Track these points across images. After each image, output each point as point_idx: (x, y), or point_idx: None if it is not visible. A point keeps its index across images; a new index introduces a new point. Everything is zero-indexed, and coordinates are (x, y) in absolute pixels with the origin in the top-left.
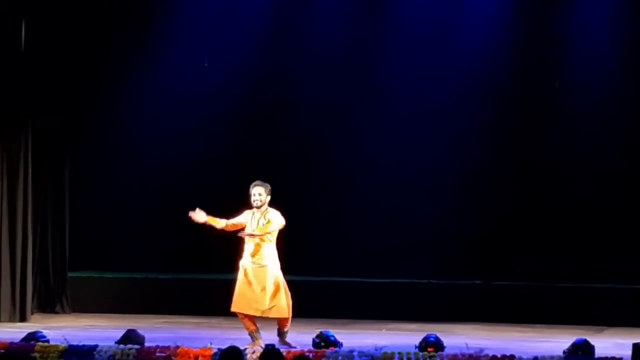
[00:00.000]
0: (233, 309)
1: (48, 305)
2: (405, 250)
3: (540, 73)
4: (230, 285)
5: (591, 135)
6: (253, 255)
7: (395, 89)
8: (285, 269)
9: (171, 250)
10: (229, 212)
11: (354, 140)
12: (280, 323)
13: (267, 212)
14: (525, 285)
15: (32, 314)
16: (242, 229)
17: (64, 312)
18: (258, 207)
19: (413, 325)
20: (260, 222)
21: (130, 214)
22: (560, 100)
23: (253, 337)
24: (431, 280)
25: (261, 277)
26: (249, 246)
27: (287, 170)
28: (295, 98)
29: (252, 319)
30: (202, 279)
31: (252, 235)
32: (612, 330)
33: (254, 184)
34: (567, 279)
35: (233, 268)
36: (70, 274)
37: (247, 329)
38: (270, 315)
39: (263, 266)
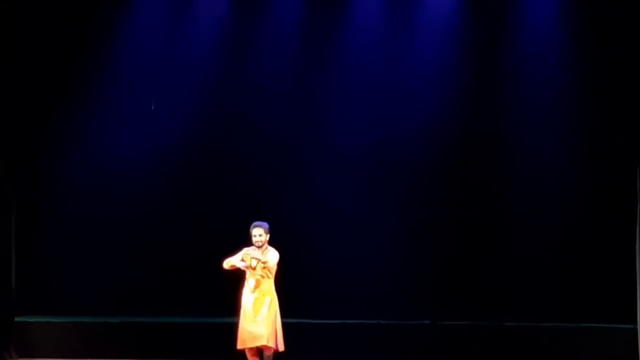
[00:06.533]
0: (239, 346)
1: None
2: (354, 292)
3: (486, 113)
4: (179, 328)
5: (535, 178)
6: (253, 291)
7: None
8: (233, 310)
9: (119, 293)
10: (182, 247)
11: (293, 179)
12: (266, 349)
13: (267, 251)
14: (474, 324)
15: None
16: (238, 268)
17: (10, 357)
18: (259, 247)
19: None
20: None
21: (77, 258)
22: (507, 141)
23: None
24: (380, 321)
25: (259, 307)
26: (249, 282)
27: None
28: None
29: (256, 352)
30: (151, 322)
31: (252, 268)
32: None
33: (253, 224)
34: (516, 318)
35: (182, 311)
36: (16, 319)
37: None
38: (268, 344)
39: (263, 299)
